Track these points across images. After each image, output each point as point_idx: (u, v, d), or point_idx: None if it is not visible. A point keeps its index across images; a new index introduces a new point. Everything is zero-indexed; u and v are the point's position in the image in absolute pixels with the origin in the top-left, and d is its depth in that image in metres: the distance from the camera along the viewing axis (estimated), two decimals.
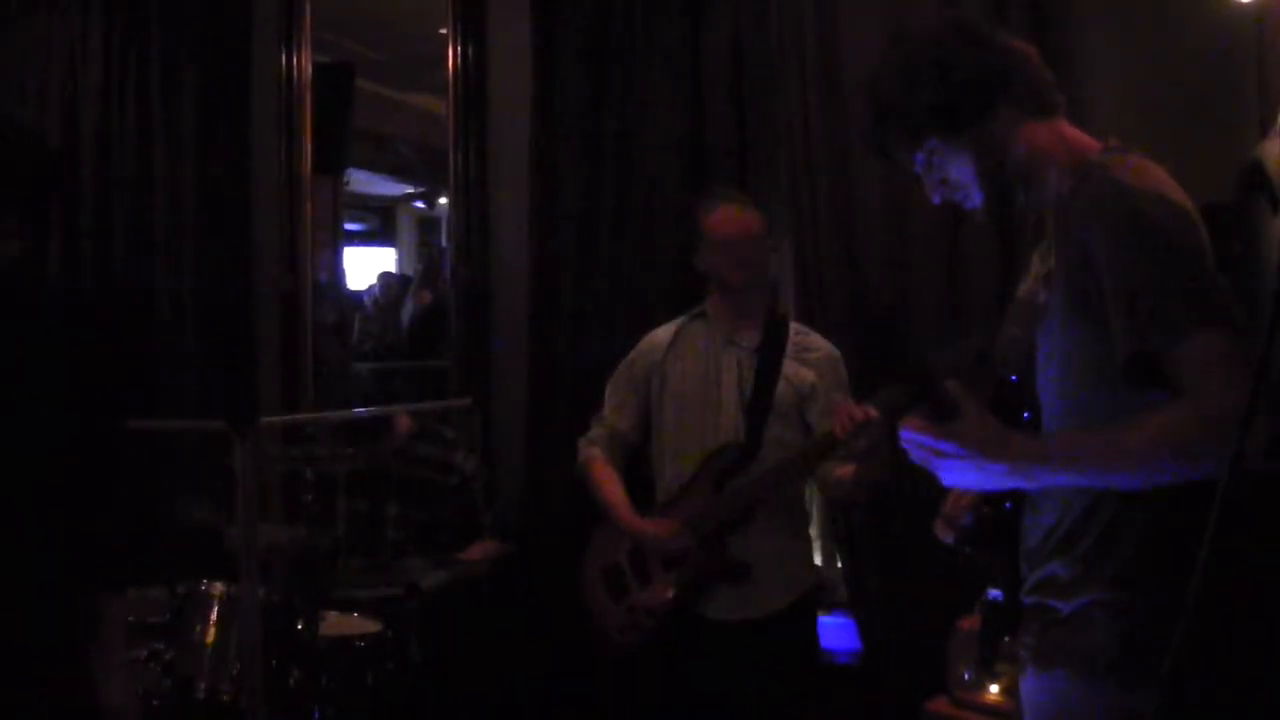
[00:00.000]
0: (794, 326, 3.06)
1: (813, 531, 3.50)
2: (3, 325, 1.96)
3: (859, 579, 3.49)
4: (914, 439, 1.64)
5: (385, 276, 6.26)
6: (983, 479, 1.63)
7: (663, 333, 3.13)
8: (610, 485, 3.05)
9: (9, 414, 1.91)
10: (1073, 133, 1.76)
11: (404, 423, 3.79)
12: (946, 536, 1.86)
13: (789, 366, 2.97)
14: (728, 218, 2.95)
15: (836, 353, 3.05)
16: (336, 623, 3.19)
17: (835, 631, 3.57)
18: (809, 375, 2.97)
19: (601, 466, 3.08)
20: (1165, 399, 1.52)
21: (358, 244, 6.67)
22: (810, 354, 3.01)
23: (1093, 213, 1.59)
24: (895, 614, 3.39)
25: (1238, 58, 2.98)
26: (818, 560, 3.65)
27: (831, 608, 3.65)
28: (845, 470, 2.84)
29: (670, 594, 2.94)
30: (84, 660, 1.92)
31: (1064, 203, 1.67)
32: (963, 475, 1.64)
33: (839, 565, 3.65)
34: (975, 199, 1.78)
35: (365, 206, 6.63)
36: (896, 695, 3.21)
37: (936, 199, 1.83)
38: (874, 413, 2.66)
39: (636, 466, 3.14)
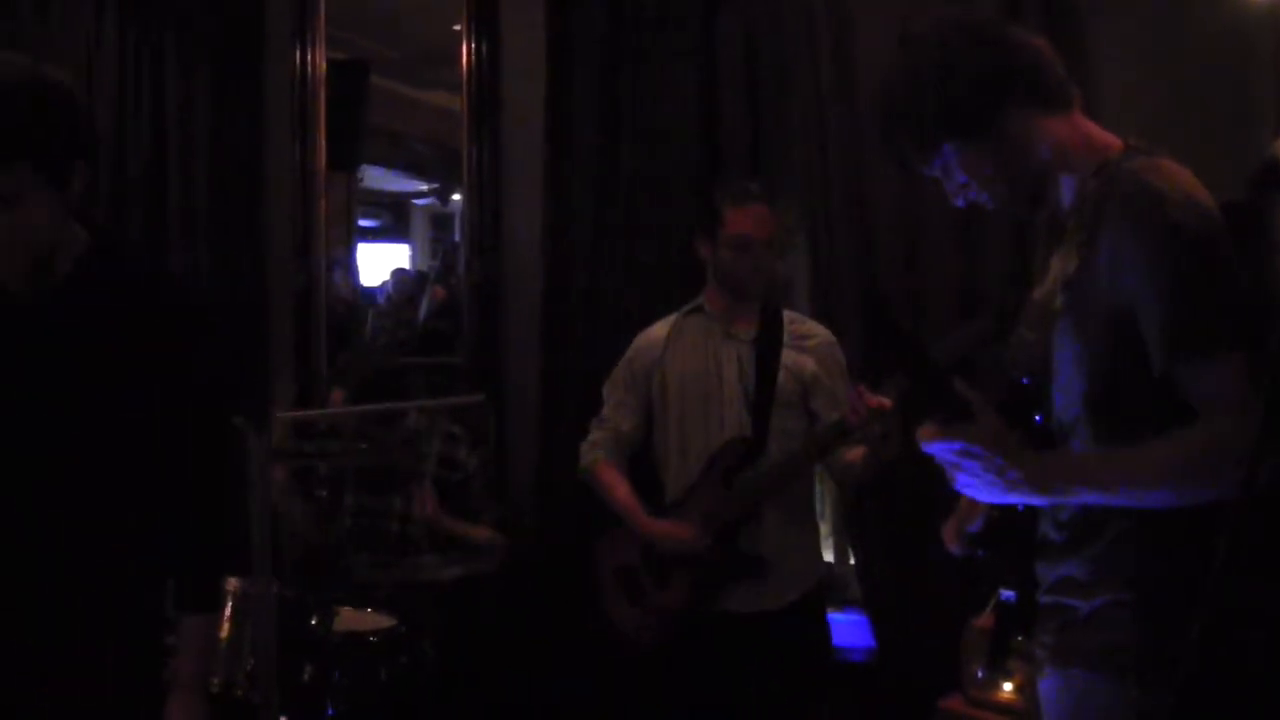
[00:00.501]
0: (788, 315, 3.04)
1: (825, 527, 3.50)
2: (90, 317, 1.83)
3: (872, 576, 3.48)
4: (937, 447, 1.63)
5: (399, 273, 6.27)
6: (1006, 492, 1.62)
7: (659, 329, 3.11)
8: (620, 488, 3.04)
9: (117, 413, 1.84)
10: (1092, 128, 1.73)
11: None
12: (954, 547, 1.86)
13: (788, 356, 2.96)
14: (758, 218, 2.90)
15: (833, 338, 3.04)
16: (350, 618, 3.19)
17: (848, 629, 3.56)
18: (809, 363, 2.96)
19: (607, 469, 3.07)
20: (1172, 408, 1.52)
21: (371, 240, 6.67)
22: (808, 341, 3.00)
23: (1120, 215, 1.57)
24: (908, 611, 3.38)
25: (1253, 56, 2.97)
26: (829, 556, 3.65)
27: (844, 605, 3.64)
28: (855, 454, 2.84)
29: (690, 594, 2.93)
30: (93, 663, 1.89)
31: (1088, 204, 1.64)
32: (986, 488, 1.63)
33: (852, 562, 3.64)
34: (1001, 198, 1.75)
35: (378, 203, 6.63)
36: (910, 693, 3.20)
37: (960, 202, 1.79)
38: (888, 403, 2.65)
39: (637, 465, 3.14)
